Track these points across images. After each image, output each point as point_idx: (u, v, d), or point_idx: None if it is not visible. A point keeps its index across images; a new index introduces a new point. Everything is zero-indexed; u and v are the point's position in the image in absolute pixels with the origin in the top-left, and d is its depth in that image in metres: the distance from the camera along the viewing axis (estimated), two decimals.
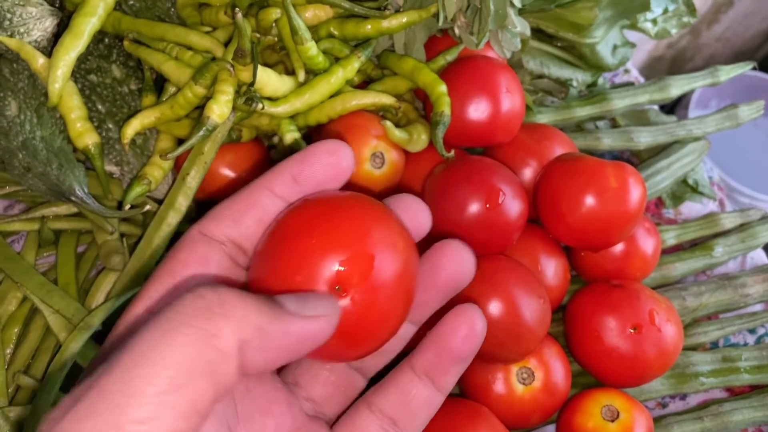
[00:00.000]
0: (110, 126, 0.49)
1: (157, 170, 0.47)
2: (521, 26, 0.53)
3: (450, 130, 0.49)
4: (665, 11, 0.66)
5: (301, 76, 0.47)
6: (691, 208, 0.63)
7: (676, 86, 0.63)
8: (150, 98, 0.49)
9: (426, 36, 0.53)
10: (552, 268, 0.48)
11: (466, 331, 0.26)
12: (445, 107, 0.47)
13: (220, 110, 0.43)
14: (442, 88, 0.47)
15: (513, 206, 0.44)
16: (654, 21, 0.67)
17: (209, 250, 0.25)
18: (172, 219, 0.47)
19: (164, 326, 0.19)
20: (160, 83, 0.50)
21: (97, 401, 0.18)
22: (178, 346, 0.19)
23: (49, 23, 0.49)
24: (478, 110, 0.48)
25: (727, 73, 0.66)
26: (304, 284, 0.23)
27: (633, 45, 0.63)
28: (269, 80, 0.45)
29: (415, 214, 0.27)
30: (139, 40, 0.49)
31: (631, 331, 0.46)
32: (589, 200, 0.46)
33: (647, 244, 0.51)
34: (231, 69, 0.43)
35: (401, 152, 0.49)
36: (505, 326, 0.42)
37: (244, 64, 0.42)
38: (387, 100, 0.48)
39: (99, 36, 0.51)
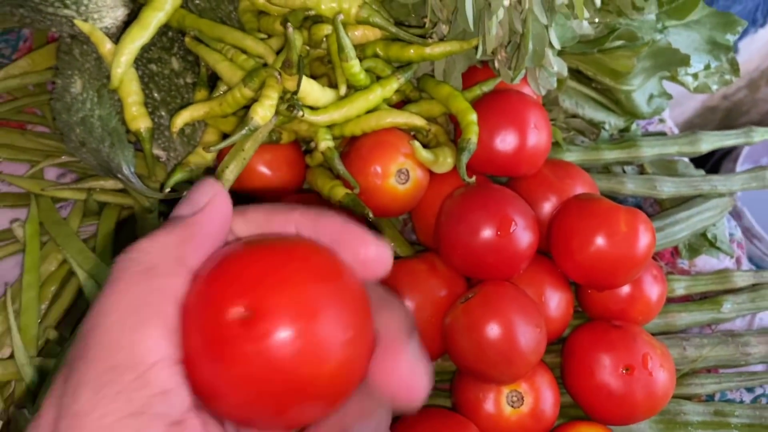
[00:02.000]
0: (163, 113, 0.53)
1: (200, 159, 0.51)
2: (558, 66, 0.56)
3: (476, 157, 0.52)
4: (707, 67, 0.67)
5: (343, 90, 0.50)
6: (707, 261, 0.64)
7: (707, 141, 0.65)
8: (202, 93, 0.53)
9: (466, 66, 0.56)
10: (556, 301, 0.50)
11: (416, 392, 0.24)
12: (472, 135, 0.49)
13: (263, 113, 0.46)
14: (473, 116, 0.50)
15: (523, 236, 0.47)
16: (695, 75, 0.68)
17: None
18: None
19: (110, 287, 0.22)
20: (213, 80, 0.54)
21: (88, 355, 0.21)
22: (128, 290, 0.21)
23: (120, 13, 0.53)
24: (504, 142, 0.51)
25: (762, 134, 0.67)
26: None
27: (669, 96, 0.65)
28: (312, 91, 0.48)
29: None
30: (200, 38, 0.52)
31: (623, 371, 0.48)
32: (599, 241, 0.48)
33: (652, 290, 0.53)
34: (278, 77, 0.46)
35: (426, 172, 0.51)
36: (500, 349, 0.44)
37: (290, 73, 0.46)
38: (419, 122, 0.51)
39: (163, 29, 0.55)
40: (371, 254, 0.24)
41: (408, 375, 0.23)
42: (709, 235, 0.65)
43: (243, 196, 0.57)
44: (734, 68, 0.70)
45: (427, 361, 0.24)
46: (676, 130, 0.73)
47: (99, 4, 0.52)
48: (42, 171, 0.58)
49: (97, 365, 0.20)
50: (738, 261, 0.66)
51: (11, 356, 0.48)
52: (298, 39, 0.49)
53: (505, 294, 0.45)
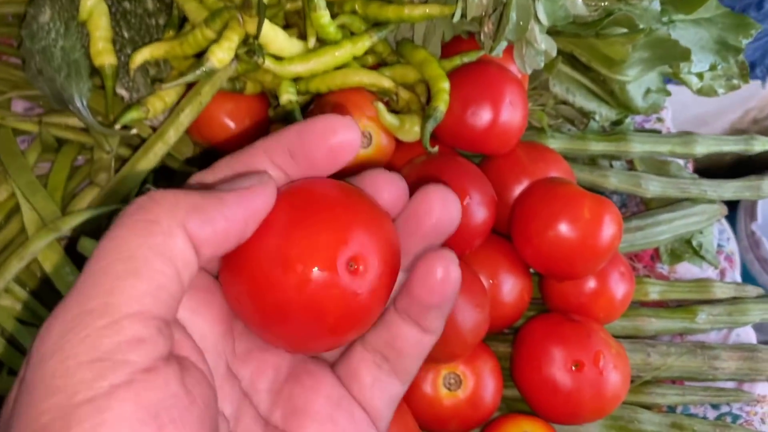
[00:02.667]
0: (129, 52, 0.51)
1: (159, 102, 0.49)
2: (547, 45, 0.53)
3: (445, 128, 0.49)
4: (713, 68, 0.64)
5: (311, 42, 0.48)
6: (688, 269, 0.61)
7: (702, 144, 0.61)
8: (170, 34, 0.51)
9: (450, 34, 0.53)
10: (510, 286, 0.48)
11: (439, 278, 0.25)
12: (440, 103, 0.47)
13: (221, 55, 0.45)
14: (445, 84, 0.48)
15: (477, 212, 0.44)
16: (700, 75, 0.65)
17: None
18: (159, 149, 0.48)
19: (108, 234, 0.21)
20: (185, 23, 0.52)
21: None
22: (124, 239, 0.21)
23: None
24: (476, 115, 0.48)
25: (763, 144, 0.63)
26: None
27: (668, 93, 0.62)
28: (276, 38, 0.46)
29: (391, 191, 0.26)
30: None
31: (573, 367, 0.45)
32: (558, 226, 0.45)
33: (618, 287, 0.50)
34: (240, 18, 0.44)
35: (391, 138, 0.49)
36: None
37: (250, 15, 0.44)
38: (387, 83, 0.48)
39: None
40: (339, 140, 0.24)
41: (439, 200, 0.25)
42: (694, 242, 0.61)
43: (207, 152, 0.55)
44: (743, 72, 0.67)
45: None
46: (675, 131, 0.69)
47: None
48: (9, 102, 0.57)
49: (70, 309, 0.20)
50: (722, 273, 0.62)
51: None
52: None
53: None
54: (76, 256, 0.47)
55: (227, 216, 0.22)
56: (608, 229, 0.45)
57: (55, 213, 0.49)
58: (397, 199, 0.26)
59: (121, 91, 0.52)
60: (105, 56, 0.50)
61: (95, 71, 0.51)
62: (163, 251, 0.21)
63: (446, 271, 0.25)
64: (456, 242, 0.45)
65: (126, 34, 0.52)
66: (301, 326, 0.24)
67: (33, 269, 0.49)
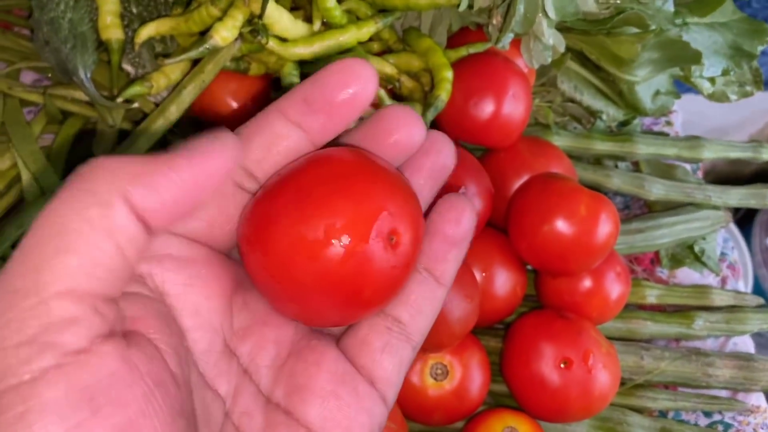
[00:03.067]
0: (136, 28, 0.51)
1: (163, 78, 0.49)
2: (555, 40, 0.53)
3: (447, 119, 0.49)
4: (725, 73, 0.63)
5: (316, 26, 0.48)
6: (689, 275, 0.60)
7: (709, 149, 0.61)
8: (178, 11, 0.51)
9: (457, 24, 0.53)
10: (503, 279, 0.47)
11: (455, 214, 0.25)
12: (442, 92, 0.47)
13: (225, 33, 0.45)
14: (448, 74, 0.47)
15: (473, 202, 0.44)
16: (712, 80, 0.64)
17: None
18: (160, 125, 0.49)
19: (46, 207, 0.19)
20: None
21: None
22: (58, 212, 0.19)
23: None
24: (478, 107, 0.48)
25: None
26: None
27: (677, 95, 0.61)
28: (280, 19, 0.46)
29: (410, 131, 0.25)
30: None
31: (561, 365, 0.45)
32: (554, 221, 0.45)
33: (613, 287, 0.49)
34: None
35: None
36: None
37: None
38: (389, 69, 0.48)
39: None
40: (357, 79, 0.23)
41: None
42: (696, 248, 0.61)
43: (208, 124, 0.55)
44: (756, 79, 0.66)
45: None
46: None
47: None
48: (18, 73, 0.57)
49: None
50: (723, 281, 0.62)
51: None
52: None
53: None
54: None
55: (176, 182, 0.20)
56: (604, 226, 0.45)
57: (55, 183, 0.49)
58: (414, 136, 0.25)
59: (127, 66, 0.52)
60: (112, 30, 0.50)
61: (102, 45, 0.52)
62: (99, 224, 0.19)
63: (462, 209, 0.25)
64: None
65: (134, 10, 0.52)
66: (334, 300, 0.23)
67: None
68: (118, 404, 0.18)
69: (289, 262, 0.22)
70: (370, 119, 0.26)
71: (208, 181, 0.21)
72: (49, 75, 0.57)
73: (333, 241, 0.22)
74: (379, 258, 0.22)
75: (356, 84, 0.23)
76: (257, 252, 0.23)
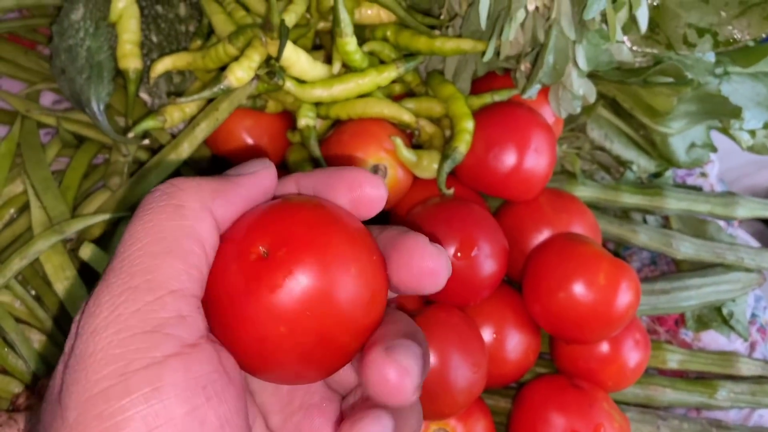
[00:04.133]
0: (155, 57, 0.51)
1: (177, 112, 0.48)
2: (585, 90, 0.50)
3: (466, 168, 0.47)
4: (767, 126, 0.60)
5: (336, 68, 0.47)
6: (715, 339, 0.57)
7: (744, 207, 0.57)
8: (197, 44, 0.50)
9: (483, 69, 0.51)
10: (515, 342, 0.45)
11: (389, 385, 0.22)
12: (461, 144, 0.45)
13: (240, 74, 0.43)
14: (469, 124, 0.46)
15: (485, 264, 0.42)
16: (752, 132, 0.61)
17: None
18: (172, 160, 0.48)
19: (139, 219, 0.22)
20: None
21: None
22: (155, 223, 0.22)
23: None
24: (498, 159, 0.46)
25: None
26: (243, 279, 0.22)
27: (714, 148, 0.58)
28: (298, 60, 0.44)
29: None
30: None
31: None
32: (571, 288, 0.43)
33: (631, 355, 0.47)
34: (263, 39, 0.43)
35: (408, 173, 0.47)
36: (428, 379, 0.40)
37: (271, 37, 0.42)
38: (407, 117, 0.47)
39: None
40: (366, 193, 0.25)
41: (429, 261, 0.23)
42: (725, 310, 0.57)
43: (221, 161, 0.54)
44: None
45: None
46: (719, 188, 0.65)
47: None
48: (38, 94, 0.57)
49: (115, 287, 0.21)
50: (752, 346, 0.58)
51: None
52: (300, 3, 0.46)
53: (448, 321, 0.41)
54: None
55: (245, 198, 0.24)
56: (624, 296, 0.42)
57: (64, 214, 0.48)
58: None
59: (144, 96, 0.51)
60: (131, 60, 0.49)
61: (120, 73, 0.51)
62: (193, 233, 0.22)
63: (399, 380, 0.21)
64: (462, 294, 0.43)
65: (154, 39, 0.51)
66: (302, 361, 0.23)
67: (36, 268, 0.48)
68: (222, 398, 0.21)
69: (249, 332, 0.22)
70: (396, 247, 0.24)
71: (262, 197, 0.25)
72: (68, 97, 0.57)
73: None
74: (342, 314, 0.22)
75: (361, 194, 0.25)
76: (214, 317, 0.23)
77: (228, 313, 0.22)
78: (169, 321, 0.21)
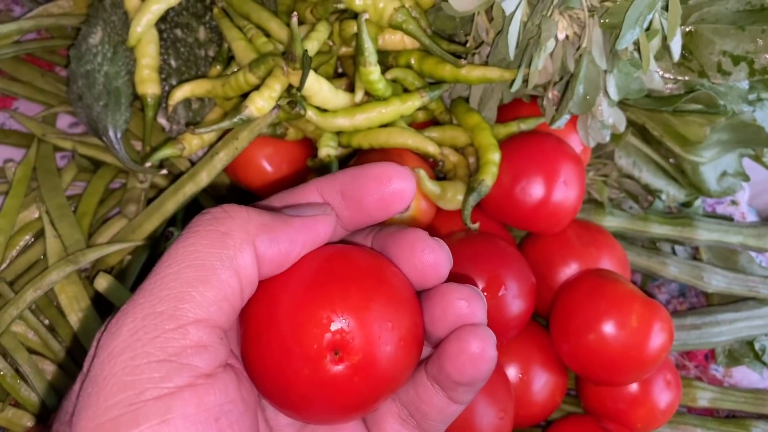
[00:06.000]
0: (174, 82, 0.50)
1: (196, 140, 0.47)
2: (615, 119, 0.49)
3: (492, 200, 0.46)
4: None
5: (359, 96, 0.45)
6: (747, 375, 0.55)
7: None
8: (216, 70, 0.49)
9: (509, 97, 0.49)
10: (542, 383, 0.44)
11: (472, 355, 0.23)
12: (487, 176, 0.43)
13: (261, 104, 0.42)
14: (495, 156, 0.44)
15: (513, 304, 0.40)
16: None
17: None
18: (190, 189, 0.46)
19: (181, 240, 0.22)
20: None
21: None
22: (196, 248, 0.21)
23: None
24: (525, 192, 0.45)
25: None
26: (301, 346, 0.22)
27: (746, 177, 0.56)
28: (320, 90, 0.43)
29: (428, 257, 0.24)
30: (227, 11, 0.49)
31: None
32: (601, 329, 0.41)
33: (662, 396, 0.45)
34: (284, 68, 0.42)
35: (432, 206, 0.46)
36: (452, 426, 0.38)
37: (293, 67, 0.41)
38: (432, 148, 0.45)
39: None
40: (397, 186, 0.24)
41: (430, 254, 0.24)
42: (757, 346, 0.55)
43: (241, 192, 0.53)
44: None
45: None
46: (751, 218, 0.63)
47: None
48: (55, 117, 0.56)
49: (140, 310, 0.21)
50: None
51: None
52: (323, 30, 0.45)
53: None
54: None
55: (293, 239, 0.23)
56: (656, 339, 0.41)
57: (79, 242, 0.47)
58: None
59: (162, 121, 0.50)
60: (149, 85, 0.48)
61: (137, 98, 0.50)
62: (231, 264, 0.21)
63: (481, 350, 0.23)
64: None
65: (173, 63, 0.50)
66: (316, 406, 0.23)
67: (50, 297, 0.47)
68: (237, 428, 0.21)
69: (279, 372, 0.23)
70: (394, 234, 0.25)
71: (312, 245, 0.24)
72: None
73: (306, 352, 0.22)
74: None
75: (392, 189, 0.24)
76: (251, 357, 0.23)
77: (272, 365, 0.22)
78: (187, 350, 0.20)
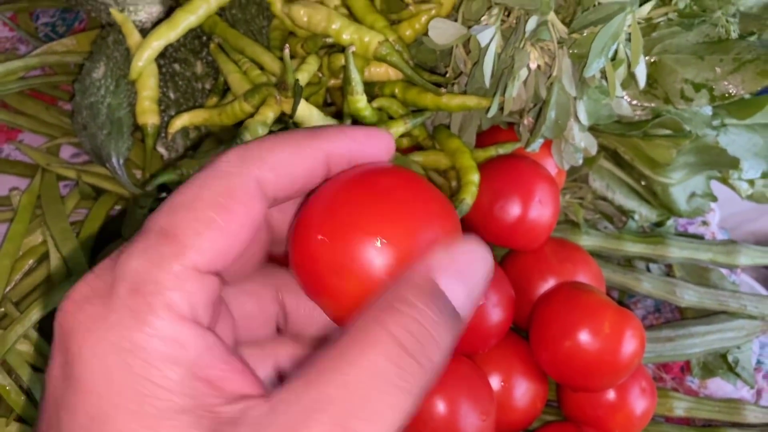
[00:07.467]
0: (172, 113, 0.53)
1: (195, 164, 0.50)
2: (587, 143, 0.52)
3: (472, 220, 0.49)
4: (765, 175, 0.62)
5: (347, 123, 0.48)
6: (721, 386, 0.58)
7: (746, 255, 0.59)
8: (213, 101, 0.53)
9: (488, 123, 0.53)
10: (523, 390, 0.46)
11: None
12: (467, 196, 0.46)
13: (254, 131, 0.45)
14: (474, 177, 0.47)
15: (493, 313, 0.43)
16: (751, 182, 0.63)
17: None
18: None
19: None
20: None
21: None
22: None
23: (155, 9, 0.54)
24: (503, 210, 0.48)
25: None
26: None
27: (714, 198, 0.59)
28: (311, 117, 0.46)
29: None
30: (223, 46, 0.52)
31: None
32: (576, 337, 0.43)
33: (638, 402, 0.47)
34: (277, 97, 0.45)
35: None
36: (438, 427, 0.40)
37: (286, 96, 0.44)
38: (415, 170, 0.48)
39: (197, 32, 0.55)
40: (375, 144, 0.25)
41: None
42: (730, 358, 0.58)
43: None
44: None
45: None
46: (720, 236, 0.67)
47: None
48: (58, 147, 0.59)
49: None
50: (759, 393, 0.59)
51: None
52: (313, 63, 0.48)
53: (456, 370, 0.42)
54: None
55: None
56: (629, 345, 0.43)
57: (82, 264, 0.50)
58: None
59: (161, 149, 0.53)
60: (149, 115, 0.51)
61: (138, 128, 0.53)
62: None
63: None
64: (470, 342, 0.44)
65: (172, 96, 0.54)
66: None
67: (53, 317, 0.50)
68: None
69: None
70: None
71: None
72: (86, 151, 0.59)
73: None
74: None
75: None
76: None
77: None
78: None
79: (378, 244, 0.22)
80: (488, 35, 0.45)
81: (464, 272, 0.23)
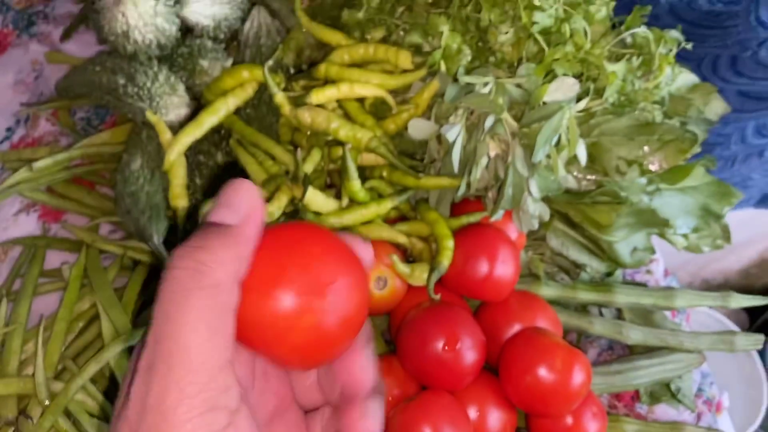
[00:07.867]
0: (199, 197, 0.64)
1: None
2: (540, 211, 0.63)
3: (449, 277, 0.60)
4: (696, 230, 0.73)
5: (344, 202, 0.60)
6: (666, 411, 0.68)
7: (682, 299, 0.70)
8: None
9: (459, 198, 0.64)
10: (495, 418, 0.56)
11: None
12: (444, 259, 0.57)
13: (272, 210, 0.56)
14: (449, 243, 0.58)
15: (468, 354, 0.53)
16: (685, 236, 0.74)
17: None
18: None
19: (178, 294, 0.25)
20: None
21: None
22: (194, 305, 0.25)
23: (183, 111, 0.65)
24: (474, 269, 0.58)
25: (739, 301, 0.71)
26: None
27: (653, 251, 0.71)
28: (316, 199, 0.58)
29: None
30: (241, 141, 0.64)
31: None
32: (535, 372, 0.54)
33: (590, 425, 0.57)
34: (289, 185, 0.56)
35: (404, 283, 0.59)
36: None
37: (296, 185, 0.56)
38: (401, 239, 0.59)
39: (217, 128, 0.66)
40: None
41: (360, 370, 0.31)
42: (673, 387, 0.68)
43: None
44: (726, 234, 0.75)
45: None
46: (663, 283, 0.78)
47: (167, 103, 0.64)
48: (98, 225, 0.70)
49: (178, 369, 0.24)
50: (699, 417, 0.69)
51: (33, 375, 0.58)
52: (316, 155, 0.60)
53: (439, 402, 0.52)
54: None
55: (253, 245, 0.27)
56: (578, 377, 0.54)
57: (127, 324, 0.60)
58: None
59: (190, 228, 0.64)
60: (180, 199, 0.62)
61: (170, 209, 0.64)
62: (229, 308, 0.26)
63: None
64: (449, 380, 0.54)
65: (198, 182, 0.65)
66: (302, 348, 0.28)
67: (103, 370, 0.59)
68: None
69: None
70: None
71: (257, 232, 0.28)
72: (123, 227, 0.70)
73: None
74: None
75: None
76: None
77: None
78: (221, 396, 0.25)
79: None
80: (455, 132, 0.57)
81: None
